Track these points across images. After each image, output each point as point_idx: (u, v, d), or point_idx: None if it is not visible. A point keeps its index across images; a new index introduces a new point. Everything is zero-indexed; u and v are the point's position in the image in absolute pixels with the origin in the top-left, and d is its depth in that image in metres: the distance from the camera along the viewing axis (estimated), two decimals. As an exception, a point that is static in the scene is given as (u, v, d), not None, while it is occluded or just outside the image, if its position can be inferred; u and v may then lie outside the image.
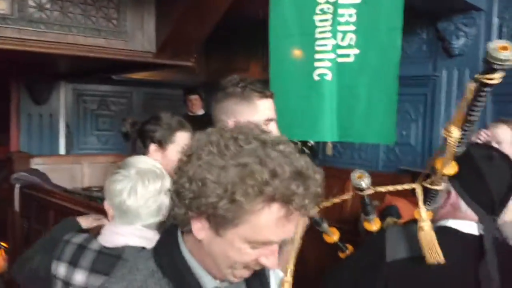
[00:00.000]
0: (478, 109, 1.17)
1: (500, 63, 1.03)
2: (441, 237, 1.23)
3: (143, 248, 1.32)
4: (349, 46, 2.36)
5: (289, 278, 1.21)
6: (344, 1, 2.35)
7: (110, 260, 1.32)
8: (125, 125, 1.96)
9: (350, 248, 1.67)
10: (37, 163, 4.90)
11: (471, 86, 1.16)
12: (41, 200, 4.10)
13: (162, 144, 1.87)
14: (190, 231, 0.88)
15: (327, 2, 2.39)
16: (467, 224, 1.29)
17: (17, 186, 4.37)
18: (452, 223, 1.31)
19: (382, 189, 1.50)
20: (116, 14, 2.99)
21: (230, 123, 1.46)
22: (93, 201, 3.90)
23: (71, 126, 5.54)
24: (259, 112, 1.52)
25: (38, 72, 4.85)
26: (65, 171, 5.18)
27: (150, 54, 3.16)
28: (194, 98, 5.02)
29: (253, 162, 0.79)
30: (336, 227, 1.65)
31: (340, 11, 2.35)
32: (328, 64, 2.39)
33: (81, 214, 3.56)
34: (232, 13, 3.16)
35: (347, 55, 2.37)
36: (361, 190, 1.50)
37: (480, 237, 1.25)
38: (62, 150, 5.49)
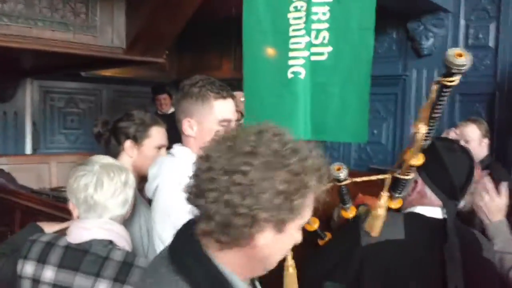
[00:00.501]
0: (440, 107, 1.28)
1: (457, 68, 1.16)
2: (410, 221, 1.40)
3: (111, 242, 1.37)
4: (323, 44, 2.36)
5: (291, 262, 1.31)
6: (317, -1, 2.34)
7: (78, 255, 1.33)
8: (96, 125, 1.90)
9: (328, 235, 1.76)
10: (1, 163, 4.73)
11: (434, 87, 1.28)
12: (6, 201, 3.95)
13: (137, 139, 1.83)
14: (234, 244, 0.84)
15: (301, 0, 2.39)
16: (432, 210, 1.43)
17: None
18: (419, 209, 1.45)
19: (358, 179, 1.66)
20: (84, 8, 2.90)
21: (186, 122, 1.56)
22: (61, 201, 3.78)
23: (38, 124, 5.36)
24: (215, 112, 1.57)
25: (3, 68, 4.67)
26: (32, 171, 5.02)
27: (120, 50, 3.08)
28: (163, 97, 4.95)
29: (302, 158, 0.85)
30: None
31: (313, 9, 2.34)
32: (302, 62, 2.38)
33: (48, 215, 3.49)
34: (204, 10, 3.12)
35: (321, 53, 2.37)
36: (340, 181, 1.63)
37: (443, 220, 1.40)
38: (28, 149, 5.31)
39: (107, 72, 5.48)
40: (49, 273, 1.35)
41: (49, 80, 5.36)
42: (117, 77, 5.64)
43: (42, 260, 1.37)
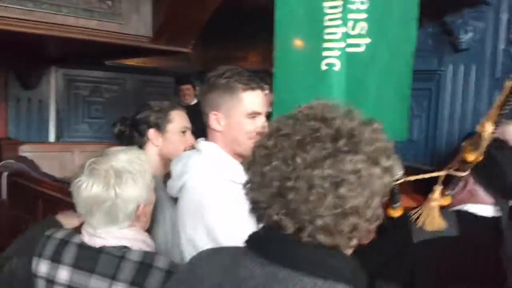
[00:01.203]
0: (510, 106, 1.27)
1: None
2: (463, 219, 1.41)
3: (125, 247, 1.30)
4: (360, 36, 2.21)
5: None
6: (356, -14, 2.19)
7: (92, 255, 1.28)
8: (115, 125, 1.83)
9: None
10: (25, 151, 4.74)
11: (509, 84, 1.24)
12: (30, 189, 3.94)
13: (159, 126, 1.76)
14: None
15: (338, -12, 2.24)
16: (483, 208, 1.43)
17: (5, 174, 4.20)
18: (469, 207, 1.44)
19: (412, 178, 1.58)
20: (110, -6, 2.80)
21: (212, 116, 1.46)
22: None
23: (62, 112, 5.34)
24: (244, 105, 1.46)
25: (28, 56, 4.64)
26: (55, 159, 5.02)
27: (145, 39, 2.99)
28: (186, 87, 4.87)
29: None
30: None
31: (351, -3, 2.20)
32: (337, 53, 2.24)
33: (71, 204, 3.44)
34: (230, -1, 3.00)
35: (358, 45, 2.22)
36: (395, 180, 1.59)
37: (495, 218, 1.41)
38: (51, 137, 5.30)
39: (132, 62, 5.42)
40: (64, 274, 1.29)
41: (74, 68, 5.32)
42: (141, 67, 5.58)
43: (56, 259, 1.31)
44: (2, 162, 4.30)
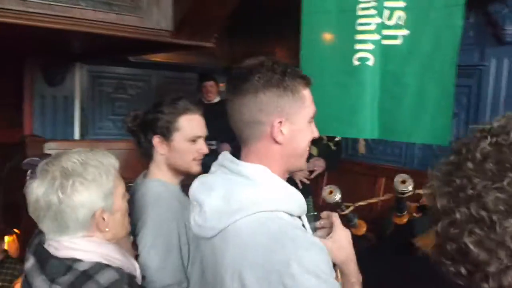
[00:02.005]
0: None
1: None
2: None
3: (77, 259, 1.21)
4: (397, 26, 2.01)
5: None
6: (393, -28, 1.98)
7: (45, 257, 1.27)
8: (126, 121, 1.67)
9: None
10: (50, 148, 4.69)
11: None
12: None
13: (165, 134, 1.59)
14: None
15: (373, -27, 2.03)
16: None
17: (29, 172, 4.16)
18: None
19: (421, 191, 1.59)
20: (130, -14, 2.67)
21: (276, 124, 1.07)
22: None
23: (86, 109, 5.29)
24: (308, 106, 1.12)
25: (52, 52, 4.60)
26: (80, 157, 4.97)
27: (166, 33, 2.85)
28: (210, 84, 4.74)
29: None
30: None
31: (388, -16, 1.99)
32: (371, 46, 2.05)
33: None
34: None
35: (394, 37, 2.02)
36: (403, 194, 1.64)
37: None
38: (76, 134, 5.27)
39: (157, 57, 5.32)
40: (28, 264, 1.28)
41: (98, 65, 5.27)
42: (166, 63, 5.47)
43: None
44: (26, 160, 4.25)
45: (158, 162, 1.62)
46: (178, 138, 1.59)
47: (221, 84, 5.68)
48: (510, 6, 3.46)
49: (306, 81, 1.12)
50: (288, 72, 1.09)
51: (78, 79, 5.12)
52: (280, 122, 1.08)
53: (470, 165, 0.64)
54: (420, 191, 1.61)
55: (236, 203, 1.00)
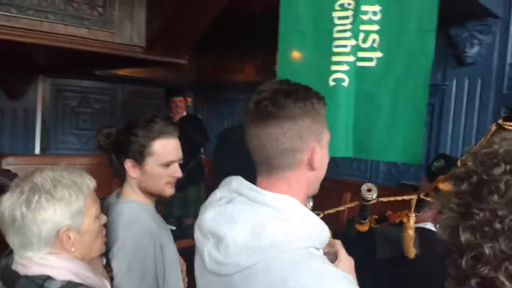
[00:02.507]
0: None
1: None
2: (420, 237, 1.57)
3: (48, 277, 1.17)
4: (372, 49, 2.06)
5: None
6: (368, -4, 2.04)
7: (13, 279, 1.21)
8: (97, 137, 1.59)
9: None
10: (9, 163, 4.50)
11: (492, 128, 1.36)
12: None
13: (137, 158, 1.52)
14: None
15: (348, -3, 2.08)
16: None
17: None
18: (430, 226, 1.68)
19: (385, 199, 1.72)
20: (102, 1, 2.62)
21: (317, 150, 0.99)
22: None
23: (49, 123, 5.12)
24: (327, 130, 1.04)
25: (14, 64, 4.43)
26: (40, 172, 4.79)
27: (139, 49, 2.81)
28: (179, 100, 4.67)
29: None
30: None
31: (363, 8, 2.05)
32: (346, 68, 2.09)
33: None
34: (227, 9, 2.83)
35: (369, 59, 2.07)
36: (368, 201, 1.70)
37: None
38: (37, 149, 5.07)
39: (123, 72, 5.24)
40: None
41: (62, 78, 5.12)
42: (133, 77, 5.39)
43: None
44: (-18, 176, 4.05)
45: (131, 184, 1.57)
46: (151, 163, 1.51)
47: (188, 99, 5.64)
48: (470, 30, 3.64)
49: (324, 102, 1.05)
50: (315, 93, 1.02)
51: (40, 92, 4.95)
52: (320, 149, 0.99)
53: (495, 197, 0.62)
54: (384, 199, 1.72)
55: (268, 238, 0.90)
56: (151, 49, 2.83)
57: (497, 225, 0.60)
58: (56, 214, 1.17)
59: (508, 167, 0.63)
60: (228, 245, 0.91)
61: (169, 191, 1.58)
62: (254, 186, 0.98)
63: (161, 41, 2.82)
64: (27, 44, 2.51)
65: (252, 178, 1.03)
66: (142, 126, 1.54)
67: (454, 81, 3.85)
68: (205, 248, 0.96)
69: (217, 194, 1.04)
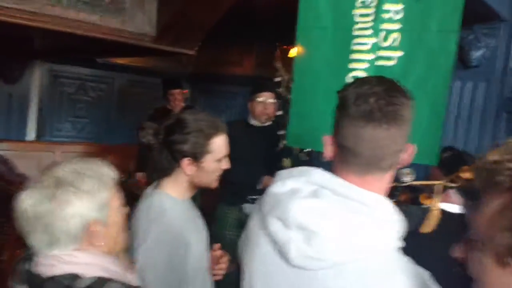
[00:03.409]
0: None
1: None
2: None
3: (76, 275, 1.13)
4: (392, 48, 2.06)
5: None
6: (391, -6, 2.02)
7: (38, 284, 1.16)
8: (145, 134, 1.56)
9: None
10: (2, 149, 4.42)
11: None
12: (4, 190, 3.65)
13: (196, 157, 1.51)
14: None
15: (371, -6, 2.07)
16: (452, 206, 1.87)
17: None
18: (441, 205, 1.85)
19: (417, 183, 1.99)
20: (114, -13, 2.56)
21: (409, 148, 1.00)
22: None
23: (45, 110, 5.02)
24: None
25: (11, 48, 4.33)
26: (34, 159, 4.70)
27: (149, 38, 2.75)
28: (177, 92, 4.62)
29: None
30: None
31: (385, 6, 2.03)
32: (365, 65, 2.08)
33: None
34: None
35: (389, 58, 2.06)
36: (402, 183, 1.92)
37: (461, 214, 1.84)
38: (32, 135, 4.98)
39: (121, 60, 5.16)
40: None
41: (60, 64, 5.02)
42: (131, 66, 5.32)
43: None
44: (-25, 162, 3.98)
45: (178, 179, 1.54)
46: (208, 160, 1.52)
47: (184, 91, 5.58)
48: (475, 32, 3.66)
49: None
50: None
51: (37, 77, 4.85)
52: (410, 146, 1.00)
53: None
54: (416, 183, 2.01)
55: (363, 238, 0.89)
56: (160, 38, 2.79)
57: None
58: (83, 207, 1.12)
59: None
60: (322, 241, 0.89)
61: (216, 183, 1.59)
62: (345, 182, 0.95)
63: (171, 31, 2.78)
64: (37, 29, 2.45)
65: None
66: (194, 122, 1.52)
67: (458, 83, 3.87)
68: (292, 242, 0.92)
69: (290, 183, 0.99)
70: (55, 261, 1.13)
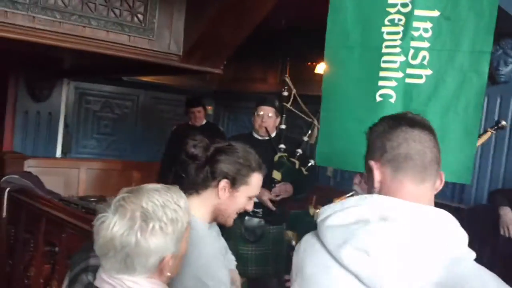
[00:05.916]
0: None
1: None
2: None
3: None
4: (421, 66, 2.03)
5: None
6: (420, 12, 2.01)
7: None
8: (195, 146, 1.55)
9: None
10: (30, 165, 4.50)
11: None
12: (32, 207, 3.71)
13: (235, 183, 1.51)
14: None
15: (399, 13, 2.06)
16: None
17: (7, 189, 3.96)
18: None
19: None
20: (143, 8, 2.61)
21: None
22: (90, 213, 3.49)
23: (71, 127, 5.13)
24: None
25: (40, 67, 4.45)
26: (60, 175, 4.81)
27: (176, 57, 2.79)
28: (197, 110, 4.69)
29: None
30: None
31: (414, 24, 2.02)
32: (394, 83, 2.06)
33: (75, 226, 3.22)
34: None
35: (418, 76, 2.04)
36: None
37: None
38: (58, 152, 5.08)
39: (146, 78, 5.24)
40: None
41: (86, 82, 5.14)
42: (155, 83, 5.40)
43: None
44: (4, 178, 4.06)
45: (205, 199, 1.53)
46: (243, 191, 1.53)
47: (209, 107, 5.62)
48: (504, 48, 3.60)
49: None
50: None
51: (64, 95, 4.97)
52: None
53: None
54: None
55: (451, 254, 0.93)
56: (187, 57, 2.82)
57: None
58: (166, 242, 1.12)
59: None
60: (415, 263, 0.91)
61: (232, 222, 1.59)
62: (409, 203, 0.98)
63: (198, 50, 2.81)
64: (66, 49, 2.51)
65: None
66: (245, 152, 1.56)
67: (485, 99, 3.81)
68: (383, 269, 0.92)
69: (354, 213, 1.00)
70: (117, 283, 1.13)
